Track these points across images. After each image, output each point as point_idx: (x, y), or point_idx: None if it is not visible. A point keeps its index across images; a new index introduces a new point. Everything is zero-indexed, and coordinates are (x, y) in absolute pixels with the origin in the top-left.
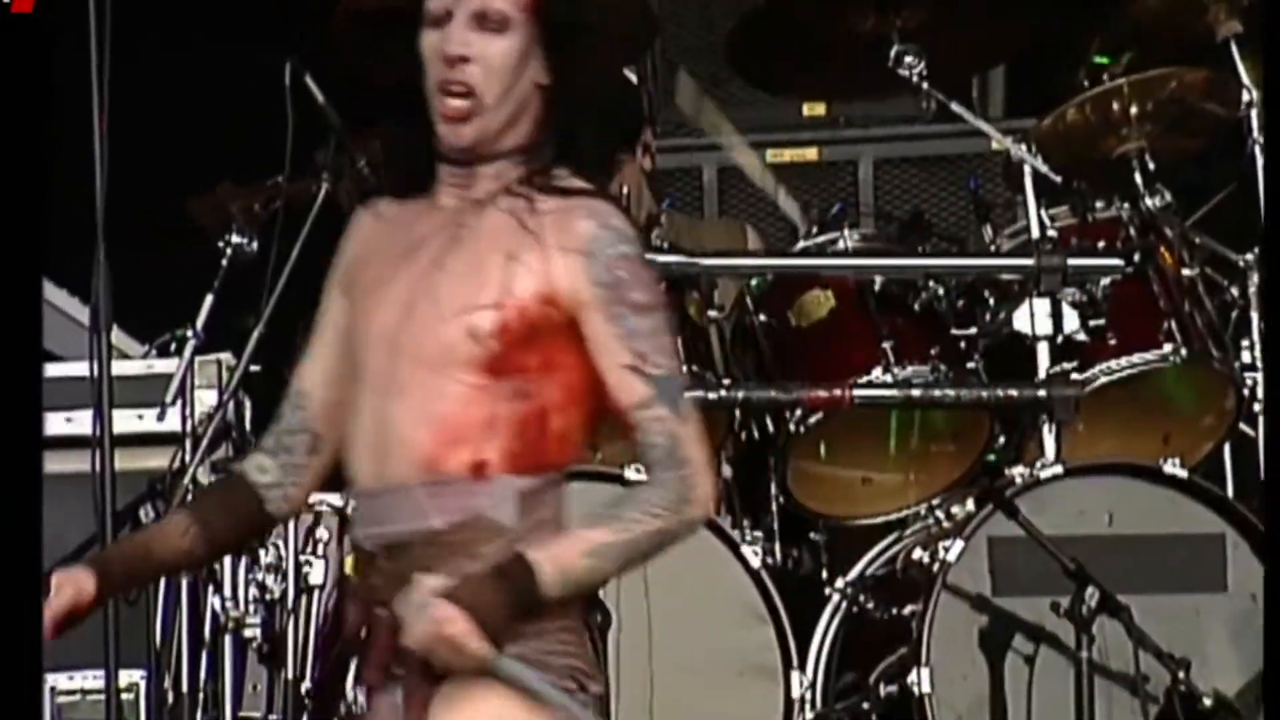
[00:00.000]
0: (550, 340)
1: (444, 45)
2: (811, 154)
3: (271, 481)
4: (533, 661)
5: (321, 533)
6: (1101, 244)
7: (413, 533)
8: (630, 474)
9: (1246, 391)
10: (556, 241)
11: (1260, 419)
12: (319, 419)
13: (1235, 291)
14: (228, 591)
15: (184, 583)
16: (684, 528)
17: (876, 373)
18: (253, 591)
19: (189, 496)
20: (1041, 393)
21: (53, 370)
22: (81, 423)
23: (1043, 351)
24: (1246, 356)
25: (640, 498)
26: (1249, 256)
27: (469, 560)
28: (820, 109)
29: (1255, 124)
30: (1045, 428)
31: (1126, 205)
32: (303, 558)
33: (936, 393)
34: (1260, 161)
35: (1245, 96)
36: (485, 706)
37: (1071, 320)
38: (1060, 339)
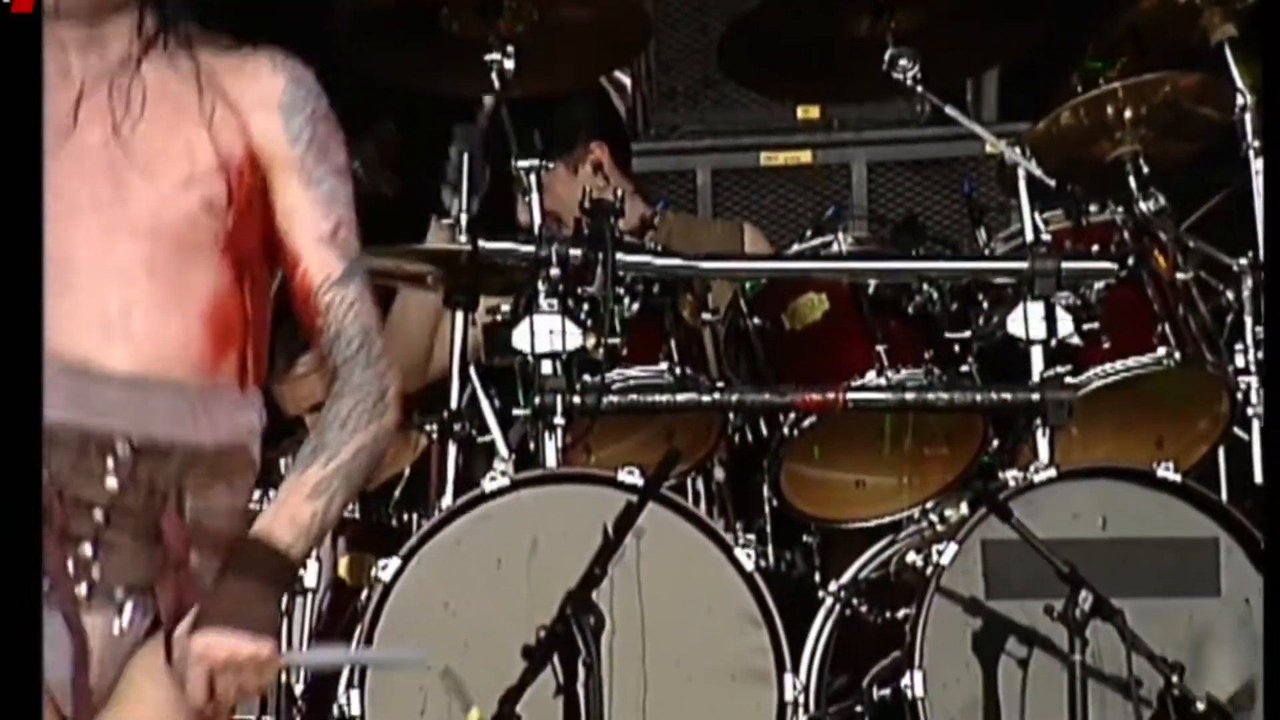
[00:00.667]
0: (260, 215)
1: None
2: (805, 157)
3: None
4: None
5: None
6: (1095, 248)
7: (178, 443)
8: (624, 476)
9: (1240, 395)
10: (247, 96)
11: (1257, 418)
12: None
13: (1229, 295)
14: None
15: None
16: (384, 434)
17: (870, 376)
18: None
19: None
20: (1035, 396)
21: None
22: None
23: (1036, 355)
24: (1240, 360)
25: (341, 414)
26: (1243, 260)
27: (226, 489)
28: (814, 112)
29: (1250, 128)
30: (1039, 431)
31: (1120, 209)
32: None
33: (930, 396)
34: (1260, 163)
35: (1240, 100)
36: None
37: (1065, 324)
38: (1054, 342)
